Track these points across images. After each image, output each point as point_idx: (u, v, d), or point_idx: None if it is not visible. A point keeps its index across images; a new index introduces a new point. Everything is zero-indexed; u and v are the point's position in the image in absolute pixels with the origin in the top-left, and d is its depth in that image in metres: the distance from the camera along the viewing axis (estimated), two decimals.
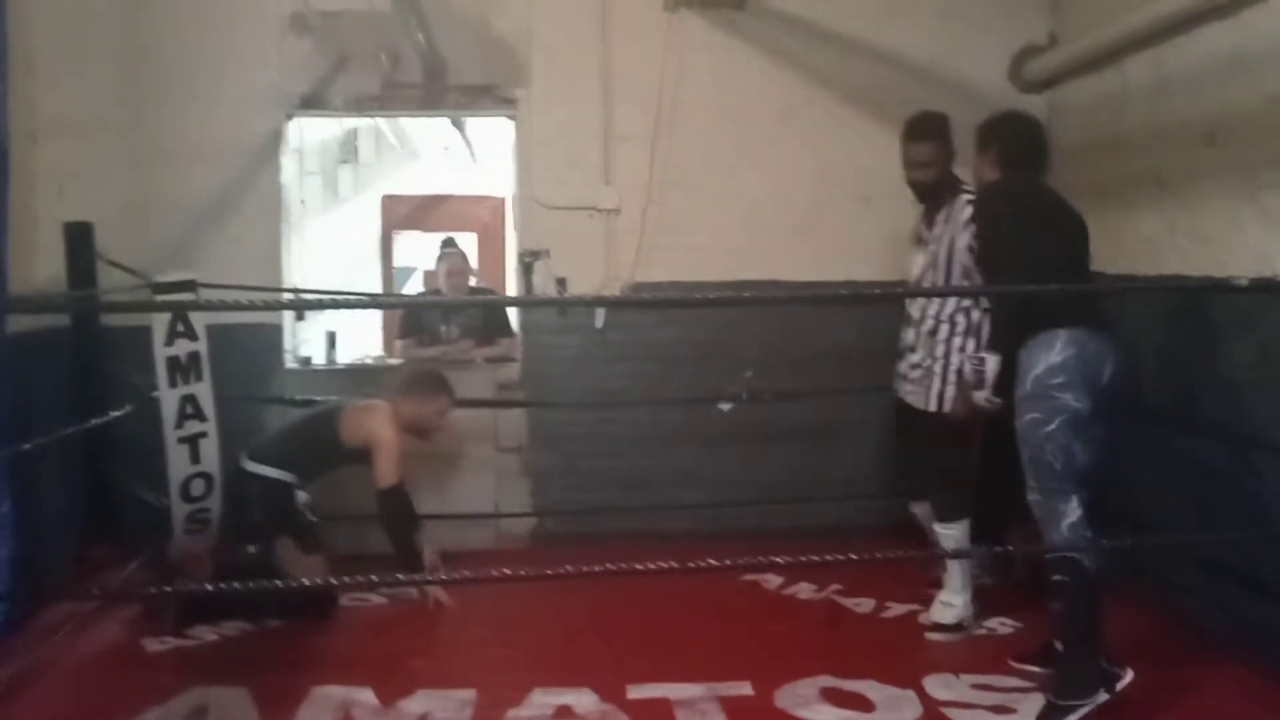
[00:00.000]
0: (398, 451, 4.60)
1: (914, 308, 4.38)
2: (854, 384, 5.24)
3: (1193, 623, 4.26)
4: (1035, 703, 3.59)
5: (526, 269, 5.62)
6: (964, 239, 4.15)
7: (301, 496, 4.66)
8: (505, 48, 5.57)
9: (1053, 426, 3.48)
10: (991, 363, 3.67)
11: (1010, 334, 3.62)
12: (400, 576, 4.46)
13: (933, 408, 4.26)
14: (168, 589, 4.23)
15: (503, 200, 8.03)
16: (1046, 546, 3.57)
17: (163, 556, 4.69)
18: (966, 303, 4.21)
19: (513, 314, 6.00)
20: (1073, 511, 3.49)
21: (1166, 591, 4.45)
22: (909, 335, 4.38)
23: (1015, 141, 3.92)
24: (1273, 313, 3.86)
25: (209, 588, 3.95)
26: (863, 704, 3.63)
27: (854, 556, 3.97)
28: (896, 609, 4.55)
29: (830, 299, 5.41)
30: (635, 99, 5.57)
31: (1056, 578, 3.50)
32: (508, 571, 3.12)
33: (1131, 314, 4.73)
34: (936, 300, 4.26)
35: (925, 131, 4.27)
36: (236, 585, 3.81)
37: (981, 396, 3.73)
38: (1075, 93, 5.43)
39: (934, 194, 4.29)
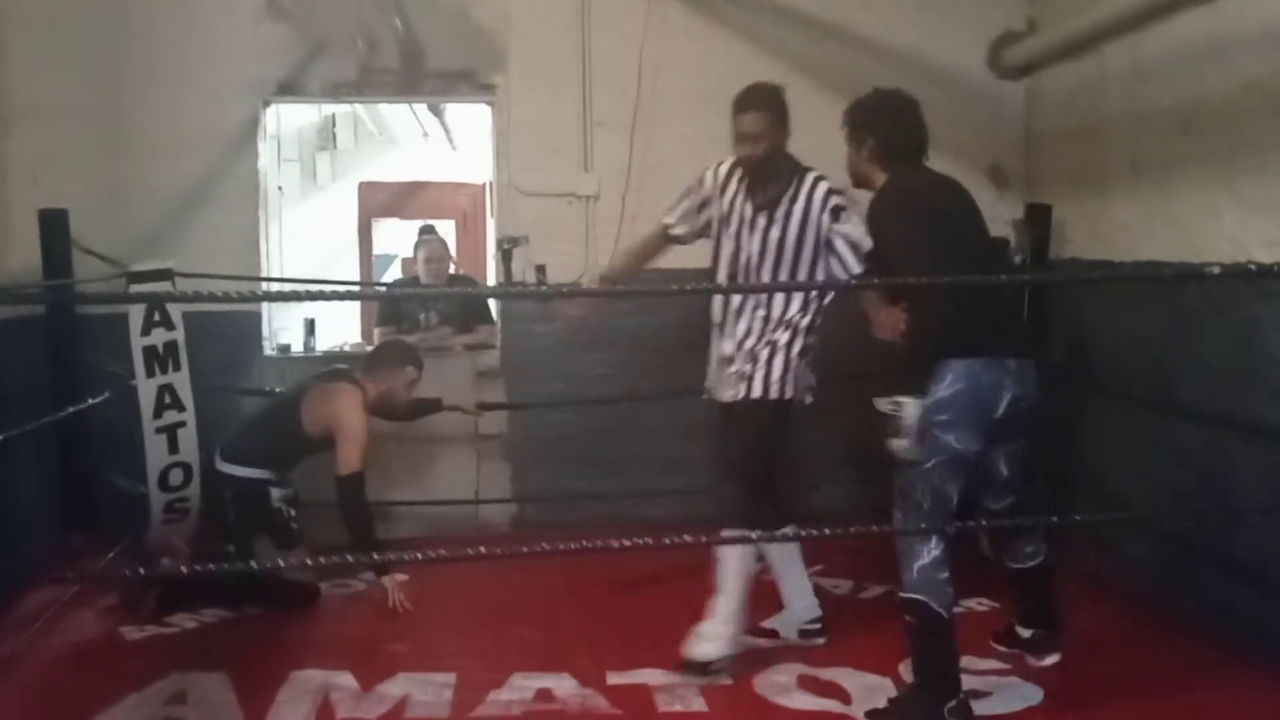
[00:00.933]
0: (364, 437, 4.44)
1: (732, 306, 3.94)
2: (829, 371, 5.22)
3: (1165, 605, 4.29)
4: (1012, 686, 3.63)
5: (505, 256, 5.57)
6: (821, 219, 3.82)
7: (277, 493, 4.54)
8: (483, 33, 5.54)
9: (927, 466, 3.21)
10: (911, 409, 3.17)
11: (929, 370, 3.22)
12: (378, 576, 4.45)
13: (756, 395, 3.86)
14: (143, 573, 4.20)
15: (482, 187, 8.01)
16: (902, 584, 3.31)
17: (141, 545, 4.68)
18: (797, 312, 3.91)
19: (492, 301, 5.98)
20: (929, 553, 3.22)
21: (1137, 574, 4.49)
22: (727, 345, 3.96)
23: (897, 132, 3.46)
24: (1246, 297, 3.89)
25: (184, 570, 3.91)
26: (839, 692, 3.63)
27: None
28: (874, 590, 4.58)
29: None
30: (614, 85, 5.56)
31: (908, 619, 3.30)
32: (483, 550, 3.10)
33: (1106, 298, 4.76)
34: (767, 304, 3.90)
35: (753, 101, 3.83)
36: (214, 568, 3.77)
37: (900, 446, 3.21)
38: (1053, 79, 5.45)
39: (765, 171, 3.87)
